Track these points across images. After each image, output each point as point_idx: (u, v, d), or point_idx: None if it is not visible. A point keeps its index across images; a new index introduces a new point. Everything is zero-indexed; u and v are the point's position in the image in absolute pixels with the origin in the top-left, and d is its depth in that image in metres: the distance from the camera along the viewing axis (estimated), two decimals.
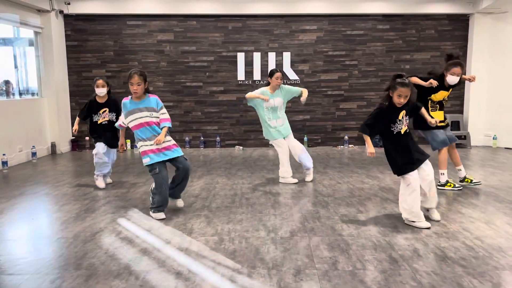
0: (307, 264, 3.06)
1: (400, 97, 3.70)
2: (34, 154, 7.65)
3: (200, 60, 8.94)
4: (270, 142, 5.84)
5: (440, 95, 5.04)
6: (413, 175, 3.77)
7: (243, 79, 8.97)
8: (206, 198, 4.91)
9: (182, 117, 9.05)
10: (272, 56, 8.91)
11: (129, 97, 4.20)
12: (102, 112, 5.51)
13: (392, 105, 3.79)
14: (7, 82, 7.78)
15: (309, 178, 5.70)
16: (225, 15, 8.79)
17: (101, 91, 5.49)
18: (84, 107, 5.62)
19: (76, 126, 5.61)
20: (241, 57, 8.93)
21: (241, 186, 5.50)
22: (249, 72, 8.97)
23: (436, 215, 3.99)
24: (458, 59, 4.94)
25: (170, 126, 4.20)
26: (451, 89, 5.10)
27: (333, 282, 2.78)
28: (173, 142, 4.30)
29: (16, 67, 8.07)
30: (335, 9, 8.72)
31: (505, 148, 8.63)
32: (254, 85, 8.95)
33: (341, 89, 9.10)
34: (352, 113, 9.13)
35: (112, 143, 5.52)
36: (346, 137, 9.08)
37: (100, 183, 5.43)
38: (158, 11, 8.64)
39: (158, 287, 2.73)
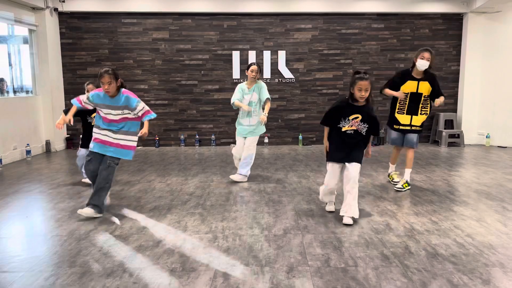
0: (299, 261, 3.09)
1: (360, 91, 3.80)
2: (28, 152, 7.64)
3: (195, 59, 8.94)
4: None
5: (409, 86, 5.03)
6: (333, 166, 4.00)
7: (238, 77, 8.98)
8: (201, 196, 4.93)
9: (177, 115, 9.05)
10: (267, 55, 8.93)
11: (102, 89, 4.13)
12: (94, 117, 5.43)
13: (350, 104, 3.92)
14: (1, 80, 7.75)
15: (234, 178, 5.63)
16: (220, 14, 8.79)
17: None
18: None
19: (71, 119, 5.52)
20: (236, 55, 8.94)
21: (235, 184, 5.52)
22: (244, 71, 8.96)
23: (346, 220, 3.88)
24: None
25: (153, 116, 4.21)
26: (429, 88, 5.00)
27: (325, 278, 2.81)
28: (127, 143, 4.19)
29: (10, 65, 8.04)
30: (330, 7, 8.75)
31: (498, 146, 8.70)
32: None
33: (336, 88, 9.13)
34: None
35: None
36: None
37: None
38: (153, 9, 8.63)
39: (152, 284, 2.76)
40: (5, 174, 6.27)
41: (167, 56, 8.91)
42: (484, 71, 8.88)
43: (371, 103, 3.96)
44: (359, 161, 3.92)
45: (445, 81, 9.16)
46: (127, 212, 4.33)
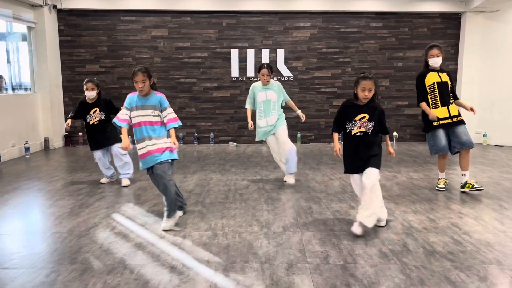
0: (299, 258, 3.12)
1: (364, 91, 3.61)
2: (27, 149, 7.64)
3: (194, 56, 8.95)
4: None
5: (431, 78, 4.90)
6: (352, 177, 3.78)
7: (237, 75, 9.00)
8: (200, 194, 4.95)
9: (176, 113, 8.76)
10: (266, 53, 8.95)
11: (135, 92, 3.99)
12: (93, 112, 5.41)
13: (355, 104, 3.74)
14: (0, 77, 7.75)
15: (290, 181, 5.46)
16: (219, 12, 8.80)
17: (90, 94, 5.37)
18: (75, 108, 5.54)
19: (68, 122, 5.53)
20: (235, 53, 8.95)
21: (234, 182, 5.54)
22: (243, 69, 9.00)
23: (357, 230, 3.59)
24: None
25: (177, 126, 3.92)
26: (445, 75, 4.94)
27: (324, 275, 2.84)
28: (168, 145, 3.85)
29: (9, 62, 8.03)
30: (329, 6, 8.77)
31: (495, 145, 8.75)
32: (248, 82, 8.99)
33: (334, 86, 9.16)
34: None
35: (103, 143, 5.43)
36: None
37: (125, 181, 5.42)
38: (152, 7, 8.63)
39: (153, 280, 2.78)
40: (4, 171, 6.28)
41: (166, 54, 8.91)
42: (482, 70, 8.92)
43: (376, 102, 3.76)
44: (376, 166, 3.63)
45: None
46: (127, 209, 4.35)
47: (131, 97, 3.97)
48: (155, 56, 8.90)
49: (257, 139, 5.60)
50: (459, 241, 3.43)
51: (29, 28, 8.11)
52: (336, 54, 9.08)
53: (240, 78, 9.02)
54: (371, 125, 3.67)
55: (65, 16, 8.69)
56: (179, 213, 4.04)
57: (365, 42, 9.06)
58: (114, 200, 4.69)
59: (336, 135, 3.85)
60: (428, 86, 4.94)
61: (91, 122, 5.43)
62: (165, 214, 3.76)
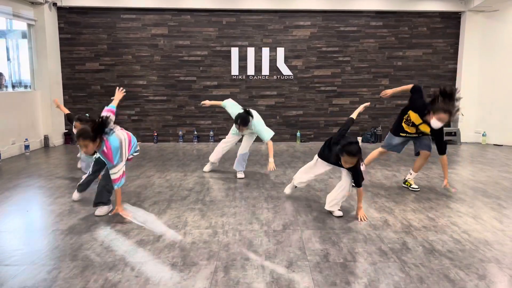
0: (299, 256, 3.14)
1: (346, 163, 3.80)
2: (27, 147, 7.64)
3: (194, 55, 8.95)
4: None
5: (416, 119, 4.77)
6: (319, 162, 4.29)
7: (237, 74, 9.00)
8: (200, 192, 4.96)
9: (176, 112, 9.07)
10: (265, 52, 8.95)
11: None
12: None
13: (339, 163, 3.96)
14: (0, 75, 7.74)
15: (239, 175, 5.75)
16: (220, 10, 8.80)
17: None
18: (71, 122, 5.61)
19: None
20: (235, 52, 8.95)
21: (234, 180, 5.55)
22: (242, 67, 9.00)
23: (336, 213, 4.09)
24: (451, 95, 4.47)
25: (117, 186, 3.92)
26: (426, 127, 4.77)
27: (324, 273, 2.86)
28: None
29: (8, 59, 8.02)
30: (329, 5, 8.77)
31: (494, 144, 8.77)
32: (248, 80, 9.00)
33: (334, 85, 9.17)
34: (345, 109, 9.21)
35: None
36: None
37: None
38: (152, 5, 8.63)
39: (154, 278, 2.79)
40: (4, 169, 6.28)
41: (166, 52, 8.91)
42: (481, 70, 8.94)
43: (358, 166, 3.89)
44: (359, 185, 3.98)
45: (442, 79, 9.22)
46: (127, 207, 4.36)
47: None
48: (155, 54, 8.90)
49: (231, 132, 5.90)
50: (458, 240, 3.45)
51: (29, 25, 8.10)
52: (336, 53, 9.09)
53: (240, 77, 9.03)
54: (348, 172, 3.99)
55: (65, 14, 8.69)
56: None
57: (365, 41, 9.07)
58: (114, 198, 4.69)
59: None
60: (407, 117, 4.88)
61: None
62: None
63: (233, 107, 5.66)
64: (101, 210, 4.10)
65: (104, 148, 3.79)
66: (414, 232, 3.63)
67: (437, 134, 4.71)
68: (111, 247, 3.30)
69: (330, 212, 4.13)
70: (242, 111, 5.40)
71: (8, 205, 4.46)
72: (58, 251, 3.22)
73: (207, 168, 6.08)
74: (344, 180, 4.02)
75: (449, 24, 9.09)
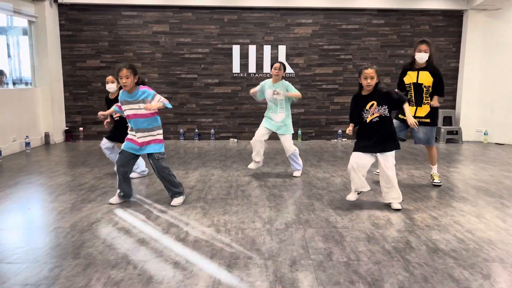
0: (302, 255, 3.12)
1: (366, 79, 4.02)
2: (27, 144, 7.63)
3: (195, 52, 8.93)
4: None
5: (410, 77, 5.04)
6: (354, 156, 4.15)
7: (238, 71, 8.98)
8: (202, 190, 4.95)
9: (177, 109, 9.05)
10: (267, 49, 8.93)
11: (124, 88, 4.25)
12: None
13: (362, 95, 4.15)
14: (1, 73, 7.72)
15: (296, 174, 5.72)
16: (221, 7, 8.77)
17: (110, 87, 5.41)
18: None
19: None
20: (236, 49, 8.93)
21: (236, 178, 5.54)
22: (244, 65, 8.98)
23: (395, 205, 4.23)
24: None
25: (168, 106, 4.16)
26: (430, 79, 4.96)
27: (327, 272, 2.84)
28: (155, 137, 4.25)
29: (9, 56, 8.00)
30: (331, 3, 8.74)
31: (496, 143, 8.76)
32: (249, 78, 8.98)
33: (336, 83, 9.15)
34: (346, 107, 9.18)
35: (122, 139, 5.47)
36: (339, 131, 9.15)
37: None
38: (154, 2, 8.60)
39: (156, 276, 2.78)
40: (5, 166, 6.26)
41: (167, 49, 8.89)
42: (483, 69, 8.91)
43: (380, 87, 4.12)
44: (391, 149, 4.14)
45: (444, 77, 9.10)
46: (128, 205, 4.34)
47: (121, 92, 4.29)
48: (156, 52, 8.88)
49: (262, 123, 5.63)
50: (462, 239, 3.44)
51: (30, 22, 8.07)
52: (337, 51, 9.06)
53: (241, 74, 9.01)
54: (384, 108, 4.08)
55: (66, 11, 8.65)
56: (178, 200, 4.40)
57: (366, 39, 9.04)
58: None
59: (351, 125, 4.28)
60: (406, 84, 5.11)
61: (114, 116, 5.36)
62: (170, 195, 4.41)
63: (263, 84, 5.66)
64: (178, 200, 4.36)
65: (141, 88, 4.17)
66: (417, 231, 3.61)
67: (437, 79, 5.00)
68: (113, 245, 3.29)
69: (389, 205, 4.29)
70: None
71: (10, 202, 4.44)
72: (60, 249, 3.21)
73: (252, 165, 5.70)
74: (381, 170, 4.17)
75: (451, 23, 9.06)
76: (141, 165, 5.55)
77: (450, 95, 9.26)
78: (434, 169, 5.29)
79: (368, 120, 4.12)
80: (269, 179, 5.50)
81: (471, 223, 3.84)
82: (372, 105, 4.09)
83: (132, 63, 4.32)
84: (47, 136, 8.37)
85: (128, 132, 4.35)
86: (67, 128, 8.88)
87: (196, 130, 9.10)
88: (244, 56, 8.94)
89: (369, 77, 3.99)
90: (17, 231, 3.64)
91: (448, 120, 9.11)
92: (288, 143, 5.52)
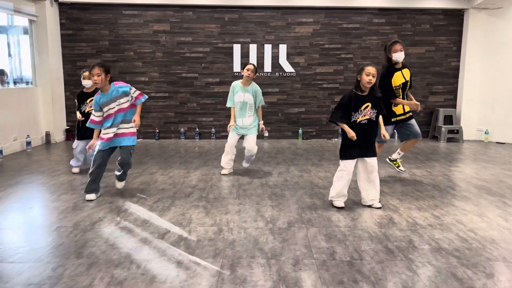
0: (305, 254, 3.12)
1: (368, 75, 3.99)
2: (28, 143, 7.62)
3: (196, 51, 8.92)
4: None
5: (397, 78, 5.06)
6: (348, 163, 4.14)
7: (239, 70, 8.97)
8: (204, 189, 4.94)
9: (178, 108, 9.04)
10: (268, 48, 8.92)
11: (99, 91, 4.39)
12: (89, 101, 5.57)
13: (359, 95, 4.09)
14: (2, 73, 7.71)
15: (245, 165, 5.89)
16: (222, 6, 8.76)
17: (86, 83, 5.58)
18: (76, 101, 5.78)
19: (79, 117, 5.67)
20: (237, 48, 8.92)
21: (237, 178, 5.54)
22: (245, 64, 8.93)
23: (377, 205, 4.26)
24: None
25: (144, 99, 4.45)
26: (407, 71, 5.12)
27: (331, 271, 2.84)
28: (132, 130, 4.47)
29: (10, 55, 7.99)
30: (332, 2, 8.73)
31: (497, 142, 8.76)
32: None
33: (336, 82, 9.14)
34: None
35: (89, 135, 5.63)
36: (340, 130, 9.13)
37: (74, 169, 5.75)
38: (154, 1, 8.58)
39: (160, 275, 2.78)
40: (6, 165, 6.26)
41: (167, 48, 8.88)
42: (484, 68, 8.91)
43: (376, 90, 4.13)
44: (376, 154, 4.22)
45: (445, 76, 9.20)
46: (131, 204, 4.34)
47: (96, 98, 4.38)
48: (157, 51, 8.87)
49: (231, 131, 5.65)
50: (465, 238, 3.44)
51: (30, 21, 8.05)
52: (338, 50, 9.05)
53: (242, 74, 8.98)
54: (374, 111, 4.11)
55: (67, 10, 8.64)
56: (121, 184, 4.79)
57: (367, 38, 9.03)
58: (118, 195, 4.68)
59: (345, 125, 4.13)
60: (395, 87, 5.11)
61: (86, 111, 5.59)
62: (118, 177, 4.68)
63: (232, 88, 5.72)
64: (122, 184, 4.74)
65: (115, 84, 4.34)
66: (420, 230, 3.61)
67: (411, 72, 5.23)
68: (116, 244, 3.28)
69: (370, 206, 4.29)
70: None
71: (11, 202, 4.44)
72: (62, 248, 3.21)
73: (225, 171, 5.77)
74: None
75: (452, 22, 9.06)
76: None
77: (451, 94, 9.26)
78: (401, 155, 5.53)
79: (358, 121, 4.08)
80: (271, 178, 5.49)
81: (474, 222, 3.84)
82: (367, 107, 4.08)
83: (104, 62, 4.38)
84: (47, 135, 8.36)
85: (102, 131, 4.43)
86: (68, 127, 8.87)
87: (197, 129, 9.09)
88: (245, 55, 8.93)
89: (371, 75, 3.99)
90: (19, 231, 3.64)
91: (449, 119, 9.11)
92: (254, 142, 5.53)
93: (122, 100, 4.35)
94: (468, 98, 9.09)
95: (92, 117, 4.44)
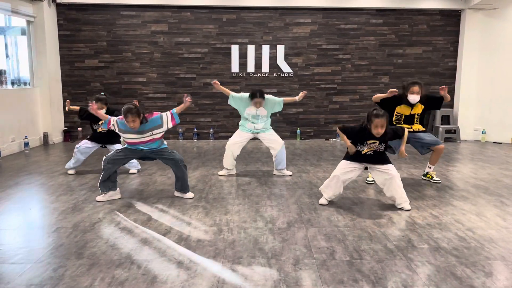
0: (305, 253, 3.14)
1: (376, 127, 3.98)
2: (26, 144, 7.60)
3: (194, 52, 8.93)
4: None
5: (404, 109, 5.17)
6: (342, 164, 4.26)
7: (237, 71, 8.98)
8: (203, 190, 4.95)
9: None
10: (266, 49, 8.93)
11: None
12: (101, 123, 5.60)
13: (369, 133, 4.08)
14: (2, 73, 7.70)
15: (286, 173, 5.74)
16: (220, 7, 8.77)
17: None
18: (83, 112, 5.75)
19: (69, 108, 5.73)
20: (235, 49, 8.93)
21: (236, 178, 5.55)
22: (243, 65, 8.98)
23: (406, 207, 4.20)
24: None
25: (176, 118, 4.51)
26: (422, 107, 5.20)
27: (331, 271, 2.86)
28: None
29: (7, 56, 7.98)
30: (329, 2, 8.76)
31: (493, 142, 8.80)
32: (248, 78, 8.99)
33: (334, 83, 9.17)
34: (345, 106, 9.22)
35: (111, 141, 5.73)
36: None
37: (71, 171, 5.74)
38: (152, 1, 8.59)
39: (161, 276, 2.78)
40: (4, 166, 6.25)
41: (165, 49, 8.88)
42: (481, 68, 8.96)
43: (388, 131, 4.12)
44: (390, 162, 4.25)
45: (442, 77, 9.24)
46: (130, 205, 4.34)
47: (121, 122, 4.33)
48: (155, 51, 8.87)
49: (239, 128, 5.72)
50: (463, 237, 3.46)
51: (28, 22, 8.04)
52: (336, 51, 9.08)
53: (240, 74, 9.01)
54: (382, 145, 4.16)
55: (65, 10, 8.63)
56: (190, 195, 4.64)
57: (365, 38, 9.07)
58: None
59: (344, 136, 4.21)
60: (396, 113, 5.19)
61: (98, 130, 5.69)
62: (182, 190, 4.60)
63: (240, 98, 5.64)
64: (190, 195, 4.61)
65: (148, 117, 4.32)
66: (419, 230, 3.63)
67: (429, 103, 5.29)
68: (117, 245, 3.29)
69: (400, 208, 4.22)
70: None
71: (11, 203, 4.43)
72: (63, 249, 3.21)
73: (223, 172, 5.74)
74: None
75: (449, 22, 9.10)
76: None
77: (448, 94, 9.28)
78: (432, 168, 5.41)
79: (362, 153, 4.17)
80: (270, 179, 5.51)
81: (472, 221, 3.87)
82: (374, 143, 4.13)
83: (134, 104, 4.26)
84: (45, 136, 8.35)
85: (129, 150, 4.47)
86: (66, 128, 8.86)
87: (195, 130, 9.10)
88: (243, 55, 8.95)
89: (380, 126, 3.97)
90: (19, 232, 3.64)
91: (446, 119, 9.15)
92: (276, 136, 5.58)
93: (155, 132, 4.37)
94: (465, 98, 9.14)
95: (111, 120, 4.39)
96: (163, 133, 4.44)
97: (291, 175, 5.68)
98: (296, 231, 3.59)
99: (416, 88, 5.09)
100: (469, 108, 9.14)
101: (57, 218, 3.91)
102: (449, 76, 9.27)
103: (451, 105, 9.32)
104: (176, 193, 4.64)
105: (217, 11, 8.81)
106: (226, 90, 5.66)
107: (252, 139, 5.87)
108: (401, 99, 5.15)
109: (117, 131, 4.40)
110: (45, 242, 3.34)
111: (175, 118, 4.45)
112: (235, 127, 9.05)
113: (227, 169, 5.69)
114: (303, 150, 7.77)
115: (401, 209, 4.19)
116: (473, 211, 4.16)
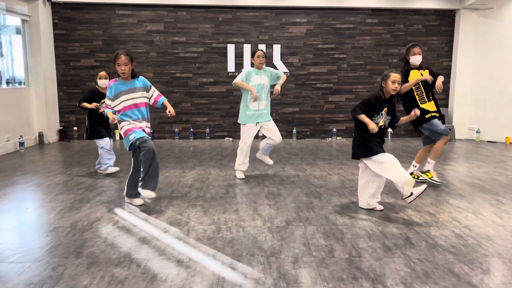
0: (304, 252, 3.15)
1: (394, 83, 3.98)
2: (22, 144, 7.56)
3: (190, 51, 8.92)
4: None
5: (414, 75, 5.07)
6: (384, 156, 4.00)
7: (233, 70, 8.98)
8: (200, 189, 4.95)
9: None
10: (262, 48, 8.91)
11: (116, 79, 4.23)
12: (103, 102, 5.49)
13: (381, 98, 4.06)
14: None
15: (269, 161, 5.73)
16: (216, 6, 8.77)
17: (103, 83, 5.55)
18: (85, 95, 5.64)
19: (91, 106, 5.54)
20: (231, 48, 8.93)
21: (233, 177, 5.55)
22: (239, 64, 8.98)
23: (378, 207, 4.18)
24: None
25: (164, 100, 4.51)
26: (426, 70, 5.16)
27: (330, 269, 2.87)
28: (147, 130, 4.32)
29: (2, 55, 7.92)
30: (325, 2, 8.79)
31: (488, 141, 8.87)
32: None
33: (330, 82, 9.20)
34: (341, 106, 9.25)
35: (109, 131, 5.78)
36: (334, 130, 9.20)
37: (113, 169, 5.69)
38: (148, 1, 8.57)
39: (161, 274, 2.78)
40: (0, 166, 6.21)
41: (161, 48, 8.87)
42: (475, 67, 9.02)
43: (397, 99, 4.15)
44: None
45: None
46: (128, 204, 4.33)
47: (115, 84, 4.19)
48: (151, 51, 8.85)
49: (243, 122, 5.42)
50: (460, 235, 3.49)
51: (23, 21, 8.00)
52: (331, 50, 9.11)
53: (236, 73, 8.99)
54: (387, 118, 4.10)
55: (60, 10, 8.59)
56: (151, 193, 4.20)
57: (360, 38, 9.10)
58: (115, 195, 4.68)
59: (365, 116, 3.96)
60: (415, 87, 5.12)
61: (100, 110, 5.52)
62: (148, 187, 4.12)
63: (248, 72, 5.42)
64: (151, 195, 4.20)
65: (139, 75, 4.31)
66: (416, 228, 3.66)
67: (435, 73, 5.25)
68: (115, 243, 3.28)
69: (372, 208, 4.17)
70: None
71: (7, 202, 4.41)
72: (61, 248, 3.20)
73: (241, 175, 5.55)
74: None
75: (444, 22, 9.16)
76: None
77: (442, 93, 9.35)
78: (432, 165, 5.22)
79: (379, 125, 3.99)
80: (267, 178, 5.52)
81: (469, 219, 3.90)
82: (385, 111, 4.05)
83: (128, 51, 4.32)
84: (41, 135, 8.31)
85: (131, 122, 4.17)
86: (61, 127, 8.82)
87: (191, 129, 9.09)
88: (239, 55, 8.95)
89: (397, 82, 3.97)
90: (17, 231, 3.62)
91: (441, 118, 9.18)
92: (277, 128, 5.46)
93: (145, 94, 4.28)
94: (460, 97, 9.20)
95: (105, 106, 4.26)
96: (144, 100, 4.30)
97: (272, 164, 5.81)
98: (295, 229, 3.61)
99: (417, 49, 5.06)
100: (464, 107, 9.20)
101: (54, 218, 3.89)
102: (444, 76, 9.25)
103: (445, 104, 9.38)
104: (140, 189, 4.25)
105: (213, 11, 8.81)
106: (248, 87, 5.32)
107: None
108: (407, 70, 5.09)
109: (112, 97, 4.17)
110: (43, 242, 3.33)
111: (160, 99, 4.43)
112: (232, 126, 9.12)
113: (241, 170, 5.57)
114: (299, 150, 7.79)
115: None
116: (470, 209, 4.19)
